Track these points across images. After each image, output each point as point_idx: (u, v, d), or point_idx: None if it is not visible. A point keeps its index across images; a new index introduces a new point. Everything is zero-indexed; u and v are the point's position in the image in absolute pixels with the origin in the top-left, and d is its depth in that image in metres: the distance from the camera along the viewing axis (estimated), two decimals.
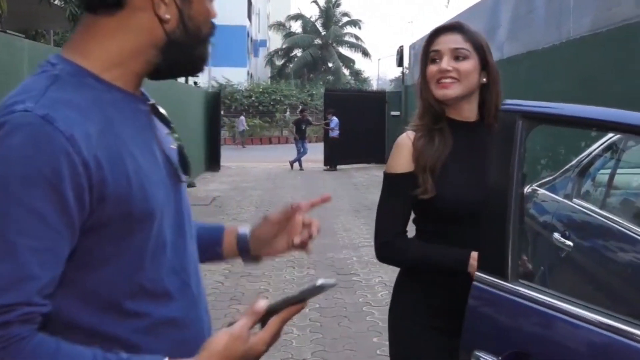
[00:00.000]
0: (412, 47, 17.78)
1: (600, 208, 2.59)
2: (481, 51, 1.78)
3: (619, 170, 2.84)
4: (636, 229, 2.22)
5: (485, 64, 1.78)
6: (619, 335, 1.26)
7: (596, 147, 2.92)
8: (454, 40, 1.78)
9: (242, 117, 28.52)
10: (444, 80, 1.73)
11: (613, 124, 1.49)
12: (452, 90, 1.74)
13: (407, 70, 18.33)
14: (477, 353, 1.47)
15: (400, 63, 18.26)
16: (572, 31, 7.37)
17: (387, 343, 3.89)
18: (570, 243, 2.56)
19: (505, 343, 1.46)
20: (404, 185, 1.74)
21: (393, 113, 17.66)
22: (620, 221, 2.36)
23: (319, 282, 1.05)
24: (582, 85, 6.67)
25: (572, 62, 7.21)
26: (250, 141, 28.93)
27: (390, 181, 1.80)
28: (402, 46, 18.17)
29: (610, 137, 2.75)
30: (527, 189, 3.44)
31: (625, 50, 6.16)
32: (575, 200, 2.83)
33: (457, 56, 1.76)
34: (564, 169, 3.21)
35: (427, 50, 1.79)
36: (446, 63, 1.74)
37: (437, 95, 1.75)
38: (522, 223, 1.58)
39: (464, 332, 1.57)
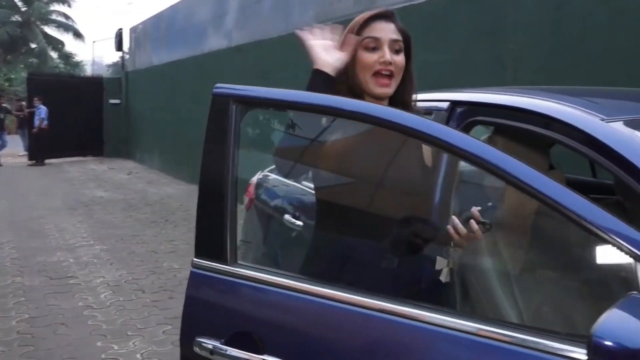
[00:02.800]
0: (133, 30, 17.40)
1: None
2: (408, 44, 1.79)
3: None
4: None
5: (408, 58, 1.79)
6: (342, 303, 1.44)
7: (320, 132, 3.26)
8: (392, 30, 1.76)
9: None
10: (384, 73, 1.72)
11: (322, 108, 1.64)
12: (391, 88, 1.74)
13: (128, 55, 17.90)
14: (198, 339, 1.54)
15: (119, 47, 17.74)
16: (298, 23, 8.00)
17: (113, 346, 3.80)
18: (300, 223, 2.84)
19: (227, 325, 1.56)
20: None
21: (112, 101, 17.14)
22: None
23: None
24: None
25: (299, 52, 7.84)
26: None
27: None
28: (121, 29, 17.67)
29: (332, 122, 3.09)
30: (258, 175, 3.69)
31: None
32: (304, 182, 3.12)
33: (395, 49, 1.75)
34: None
35: (360, 36, 1.75)
36: (389, 55, 1.72)
37: (375, 92, 1.73)
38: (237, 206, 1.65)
39: (183, 321, 1.63)
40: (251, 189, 3.67)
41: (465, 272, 1.86)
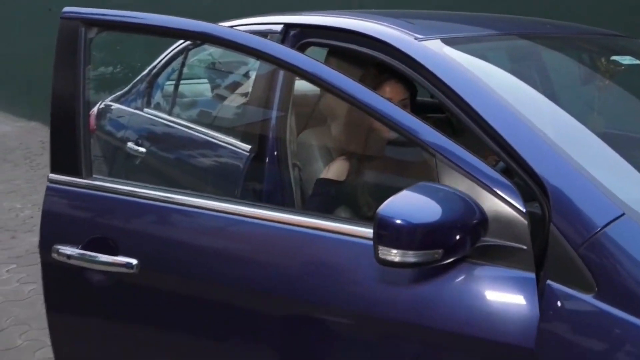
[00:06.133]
0: None
1: (170, 115, 2.99)
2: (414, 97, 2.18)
3: (183, 81, 3.28)
4: (199, 128, 2.66)
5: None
6: (182, 206, 1.70)
7: (161, 60, 3.27)
8: (402, 91, 2.12)
9: None
10: None
11: (173, 30, 1.80)
12: None
13: None
14: (56, 247, 1.71)
15: None
16: None
17: None
18: (143, 149, 2.89)
19: (84, 232, 1.74)
20: None
21: None
22: (188, 124, 2.78)
23: None
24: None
25: None
26: None
27: None
28: None
29: (174, 49, 3.14)
30: (99, 105, 3.65)
31: None
32: (146, 110, 3.16)
33: (403, 104, 2.07)
34: (133, 82, 3.50)
35: None
36: None
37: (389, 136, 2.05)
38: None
39: (41, 233, 1.81)
40: (92, 120, 3.62)
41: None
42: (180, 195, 1.72)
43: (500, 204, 1.33)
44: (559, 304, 1.27)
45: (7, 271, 4.13)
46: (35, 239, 4.59)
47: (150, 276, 1.67)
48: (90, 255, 1.69)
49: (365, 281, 1.44)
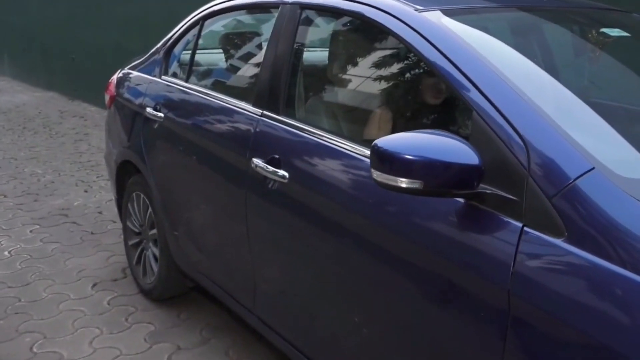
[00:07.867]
0: None
1: (186, 81, 3.13)
2: None
3: (199, 51, 3.41)
4: (214, 94, 2.80)
5: None
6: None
7: (177, 30, 3.41)
8: None
9: None
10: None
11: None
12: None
13: None
14: (253, 159, 2.34)
15: None
16: None
17: None
18: (161, 114, 3.04)
19: (268, 152, 2.32)
20: None
21: None
22: (204, 90, 2.93)
23: None
24: None
25: None
26: None
27: None
28: None
29: (189, 21, 3.27)
30: (118, 74, 3.80)
31: None
32: (164, 77, 3.30)
33: None
34: (151, 52, 3.63)
35: None
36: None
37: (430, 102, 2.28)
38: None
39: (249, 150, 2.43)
40: (112, 87, 3.77)
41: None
42: (323, 133, 2.19)
43: (509, 161, 1.52)
44: (532, 247, 1.42)
45: (31, 231, 4.32)
46: (56, 202, 4.83)
47: (293, 187, 2.18)
48: (267, 167, 2.28)
49: (377, 195, 1.81)
